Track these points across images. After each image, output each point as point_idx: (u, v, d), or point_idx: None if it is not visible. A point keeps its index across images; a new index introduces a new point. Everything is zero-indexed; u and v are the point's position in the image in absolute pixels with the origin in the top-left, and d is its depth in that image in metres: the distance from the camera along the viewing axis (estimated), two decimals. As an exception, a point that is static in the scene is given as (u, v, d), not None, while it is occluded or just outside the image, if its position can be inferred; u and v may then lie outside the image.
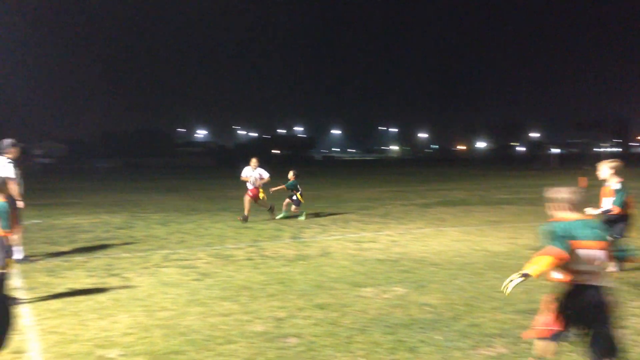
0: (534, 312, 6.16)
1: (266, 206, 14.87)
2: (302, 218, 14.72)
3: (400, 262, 9.13)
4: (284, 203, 14.99)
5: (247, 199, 14.49)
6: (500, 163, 74.68)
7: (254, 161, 14.94)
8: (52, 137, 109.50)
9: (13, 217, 6.85)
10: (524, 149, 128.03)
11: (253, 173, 14.77)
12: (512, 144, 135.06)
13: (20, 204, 9.04)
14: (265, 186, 15.05)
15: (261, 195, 14.70)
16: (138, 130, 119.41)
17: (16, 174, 9.20)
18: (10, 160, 9.32)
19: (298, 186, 15.00)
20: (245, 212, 14.38)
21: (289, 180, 14.99)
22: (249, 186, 14.68)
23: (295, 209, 14.88)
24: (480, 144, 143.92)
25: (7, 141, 9.48)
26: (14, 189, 8.95)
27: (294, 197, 14.86)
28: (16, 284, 7.56)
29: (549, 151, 71.18)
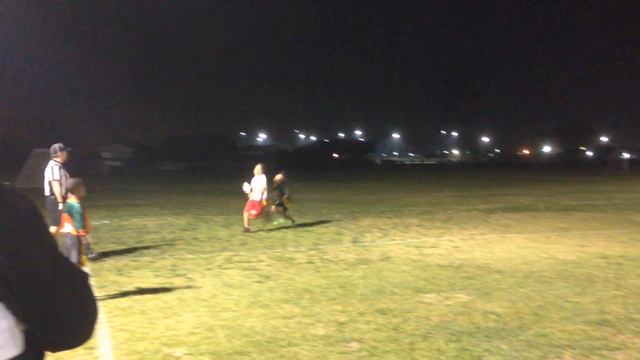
0: (605, 323, 5.92)
1: (243, 226, 13.35)
2: (275, 223, 14.04)
3: (463, 268, 8.94)
4: (272, 209, 14.09)
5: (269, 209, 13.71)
6: (567, 168, 72.15)
7: (258, 168, 13.55)
8: (120, 141, 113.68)
9: (86, 218, 7.16)
10: (592, 153, 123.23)
11: (255, 181, 13.56)
12: (580, 148, 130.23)
13: (61, 206, 9.47)
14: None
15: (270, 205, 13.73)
16: (201, 134, 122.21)
17: (61, 176, 9.68)
18: (56, 163, 9.81)
19: (285, 189, 14.18)
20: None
21: (279, 183, 14.10)
22: (256, 197, 13.36)
23: (275, 209, 14.10)
24: (546, 148, 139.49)
25: (56, 146, 10.06)
26: (57, 190, 9.54)
27: (278, 202, 14.07)
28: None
29: (620, 156, 68.07)
